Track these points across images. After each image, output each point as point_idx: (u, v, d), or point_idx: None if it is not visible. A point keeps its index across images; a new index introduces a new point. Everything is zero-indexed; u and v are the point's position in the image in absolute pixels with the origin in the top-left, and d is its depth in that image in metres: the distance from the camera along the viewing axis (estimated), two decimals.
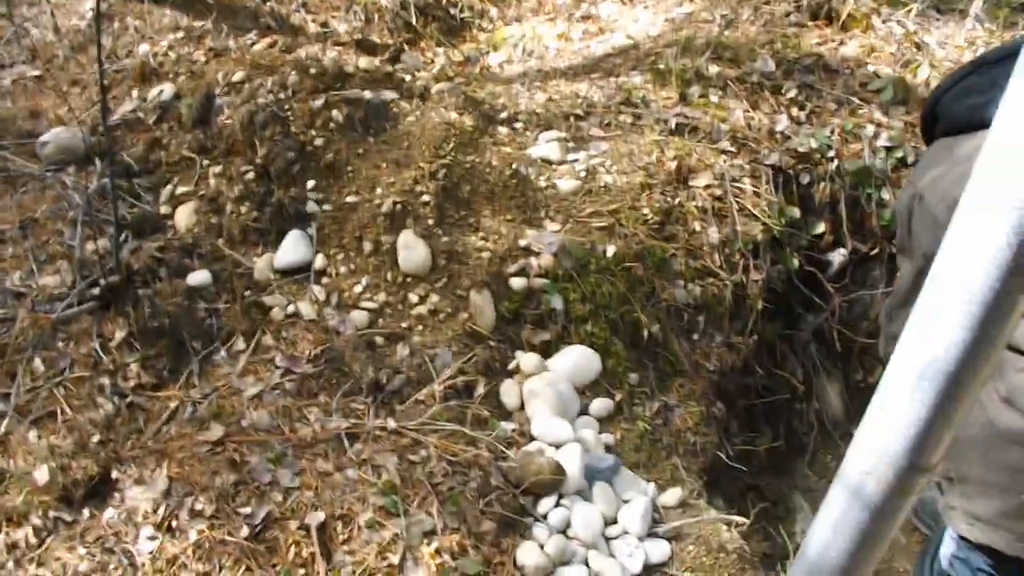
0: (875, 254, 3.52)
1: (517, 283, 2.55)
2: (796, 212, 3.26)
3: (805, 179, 3.38)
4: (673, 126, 3.25)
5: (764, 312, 3.16)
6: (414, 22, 4.27)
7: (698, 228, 2.99)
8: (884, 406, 0.97)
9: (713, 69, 3.59)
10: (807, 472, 3.54)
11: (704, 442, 2.70)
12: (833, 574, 1.09)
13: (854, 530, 1.05)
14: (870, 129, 3.57)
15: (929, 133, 1.97)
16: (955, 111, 1.86)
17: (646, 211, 2.88)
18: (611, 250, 2.69)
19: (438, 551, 1.95)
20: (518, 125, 3.16)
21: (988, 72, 1.82)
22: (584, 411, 2.50)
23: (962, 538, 2.05)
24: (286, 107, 2.78)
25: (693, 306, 2.88)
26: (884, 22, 4.29)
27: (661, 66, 3.57)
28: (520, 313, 2.57)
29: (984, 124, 1.64)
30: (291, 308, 2.47)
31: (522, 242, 2.59)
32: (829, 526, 1.08)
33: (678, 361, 2.78)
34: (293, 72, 2.91)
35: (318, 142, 2.69)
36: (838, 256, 3.44)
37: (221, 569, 1.85)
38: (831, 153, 3.45)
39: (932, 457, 0.96)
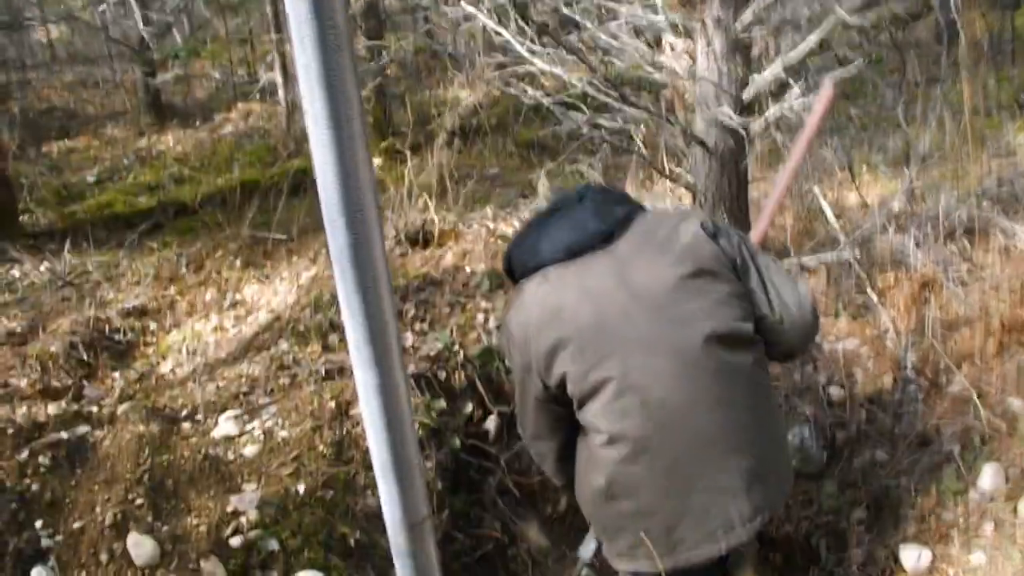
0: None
1: (236, 541, 3.28)
2: (443, 402, 4.23)
3: (442, 375, 4.37)
4: (323, 373, 4.16)
5: (447, 489, 4.06)
6: (86, 358, 4.98)
7: (368, 447, 3.87)
8: None
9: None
10: None
11: None
12: None
13: None
14: (480, 317, 4.65)
15: (513, 280, 2.79)
16: (516, 262, 2.72)
17: (321, 448, 3.73)
18: (302, 487, 3.50)
19: None
20: (199, 417, 3.95)
21: (537, 224, 2.71)
22: None
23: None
24: None
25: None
26: (469, 227, 5.50)
27: (301, 328, 4.51)
28: (247, 564, 3.30)
29: (536, 266, 2.62)
30: None
31: (229, 508, 3.35)
32: None
33: (388, 554, 3.59)
34: None
35: (35, 487, 3.34)
36: (491, 423, 4.43)
37: None
38: (456, 347, 4.48)
39: None
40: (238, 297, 5.60)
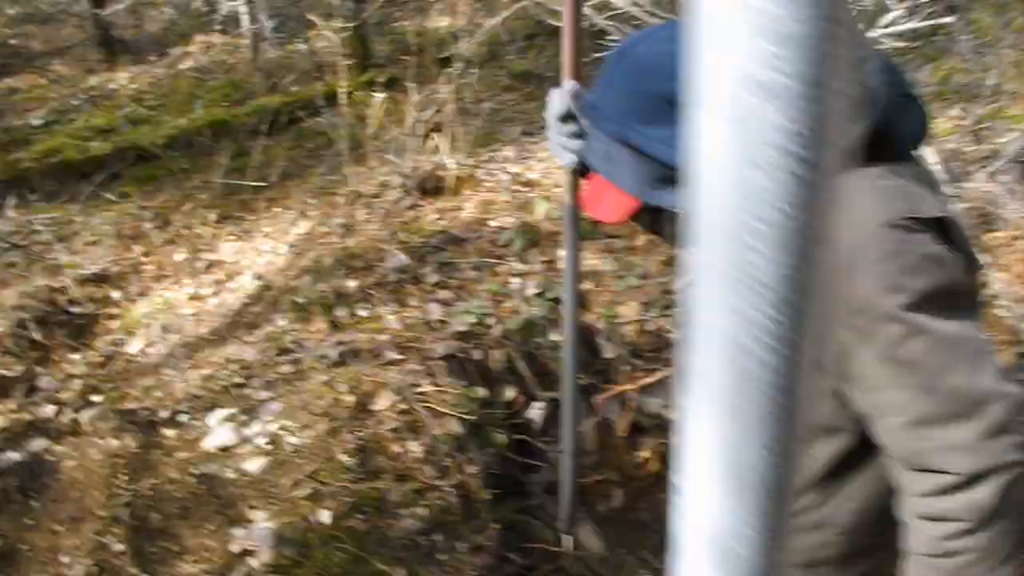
0: None
1: None
2: (481, 391, 3.49)
3: (477, 355, 3.63)
4: (335, 358, 3.39)
5: (495, 497, 3.34)
6: (38, 338, 4.17)
7: (399, 450, 3.13)
8: None
9: (351, 284, 3.79)
10: None
11: None
12: None
13: None
14: (516, 283, 3.90)
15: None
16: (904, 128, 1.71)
17: (343, 458, 2.98)
18: (325, 516, 2.76)
19: None
20: (183, 418, 3.18)
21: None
22: None
23: None
24: None
25: (425, 529, 2.99)
26: (489, 174, 4.72)
27: (300, 300, 3.73)
28: None
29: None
30: None
31: (234, 548, 2.61)
32: None
33: None
34: None
35: None
36: (536, 411, 3.70)
37: None
38: (490, 320, 3.73)
39: None
40: (214, 257, 4.79)
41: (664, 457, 4.09)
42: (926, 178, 1.67)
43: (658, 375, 3.90)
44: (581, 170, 2.17)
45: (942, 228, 1.52)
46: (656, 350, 3.92)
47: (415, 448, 3.16)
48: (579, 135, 2.07)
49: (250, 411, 3.16)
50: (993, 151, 4.59)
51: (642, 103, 1.68)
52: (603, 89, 1.75)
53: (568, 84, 2.21)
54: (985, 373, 1.51)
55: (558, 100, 2.11)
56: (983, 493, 1.49)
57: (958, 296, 1.53)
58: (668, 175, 1.71)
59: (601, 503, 3.89)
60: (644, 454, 4.06)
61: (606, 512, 3.87)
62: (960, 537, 1.54)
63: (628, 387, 3.89)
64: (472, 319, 3.68)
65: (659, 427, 4.02)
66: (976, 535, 1.53)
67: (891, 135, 1.58)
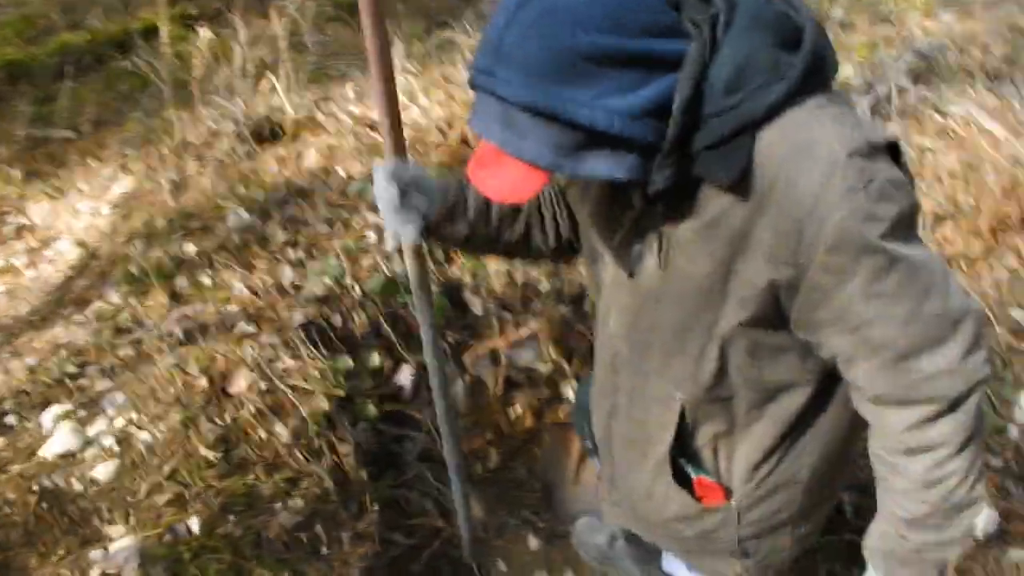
0: None
1: None
2: (348, 360, 3.20)
3: (337, 320, 3.33)
4: (180, 335, 3.03)
5: (370, 476, 3.09)
6: None
7: (264, 436, 2.82)
8: None
9: (190, 248, 3.41)
10: None
11: None
12: None
13: None
14: (372, 236, 3.60)
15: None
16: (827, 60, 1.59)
17: (204, 451, 2.66)
18: (193, 523, 2.45)
19: None
20: (10, 420, 2.77)
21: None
22: None
23: None
24: None
25: (304, 522, 2.71)
26: (330, 116, 4.36)
27: (133, 269, 3.33)
28: None
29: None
30: None
31: (94, 574, 2.27)
32: None
33: None
34: None
35: None
36: (406, 377, 3.44)
37: None
38: (348, 280, 3.43)
39: None
40: (24, 221, 4.29)
41: (538, 412, 3.91)
42: (850, 104, 1.61)
43: (528, 329, 3.70)
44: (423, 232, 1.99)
45: (893, 152, 1.51)
46: (525, 302, 3.71)
47: (282, 432, 2.86)
48: (416, 208, 1.94)
49: (90, 406, 2.78)
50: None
51: (558, 63, 1.40)
52: (498, 45, 1.41)
53: (390, 163, 1.94)
54: (953, 292, 1.53)
55: (384, 184, 1.91)
56: (966, 414, 1.56)
57: (915, 219, 1.52)
58: (593, 140, 1.48)
59: (477, 465, 3.69)
60: (517, 410, 3.87)
61: (483, 474, 3.67)
62: (945, 463, 1.60)
63: (499, 343, 3.67)
64: (328, 281, 3.37)
65: (531, 382, 3.84)
66: (959, 456, 1.59)
67: (823, 62, 1.51)
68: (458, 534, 3.48)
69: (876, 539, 1.90)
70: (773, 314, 1.65)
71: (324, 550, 2.73)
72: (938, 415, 1.57)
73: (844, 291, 1.50)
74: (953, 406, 1.56)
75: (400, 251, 2.17)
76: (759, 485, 1.99)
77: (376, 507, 3.01)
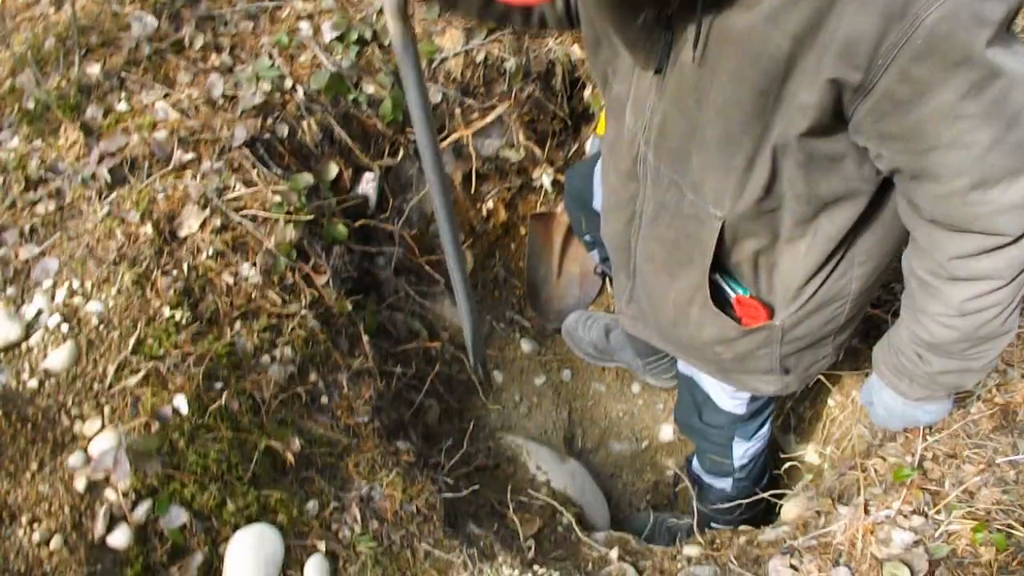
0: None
1: (116, 540, 1.88)
2: (307, 177, 2.76)
3: (284, 130, 2.87)
4: (107, 177, 2.55)
5: (356, 305, 2.74)
6: None
7: (230, 280, 2.42)
8: None
9: (94, 69, 2.87)
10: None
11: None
12: None
13: None
14: (305, 27, 3.09)
15: None
16: None
17: (167, 311, 2.25)
18: (183, 403, 2.07)
19: None
20: None
21: None
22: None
23: None
24: None
25: (297, 374, 2.37)
26: None
27: (30, 106, 2.79)
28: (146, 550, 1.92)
29: None
30: None
31: (79, 485, 1.89)
32: None
33: (333, 444, 2.31)
34: None
35: None
36: (368, 185, 3.03)
37: None
38: (288, 83, 2.95)
39: None
40: None
41: (510, 204, 3.56)
42: None
43: (492, 114, 3.28)
44: None
45: None
46: (488, 84, 3.26)
47: (250, 273, 2.46)
48: None
49: (19, 280, 2.33)
50: None
51: None
52: None
53: None
54: None
55: None
56: (1021, 250, 1.48)
57: (1011, 25, 1.31)
58: None
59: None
60: (488, 205, 3.51)
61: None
62: (987, 295, 1.54)
63: (462, 131, 3.26)
64: (266, 86, 2.88)
65: (500, 172, 3.46)
66: (1003, 290, 1.53)
67: None
68: (455, 354, 3.20)
69: (889, 353, 1.83)
70: (832, 118, 1.41)
71: (324, 400, 2.40)
72: (996, 248, 1.48)
73: (923, 107, 1.31)
74: (1015, 241, 1.46)
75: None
76: (807, 302, 1.85)
77: (367, 339, 2.67)
